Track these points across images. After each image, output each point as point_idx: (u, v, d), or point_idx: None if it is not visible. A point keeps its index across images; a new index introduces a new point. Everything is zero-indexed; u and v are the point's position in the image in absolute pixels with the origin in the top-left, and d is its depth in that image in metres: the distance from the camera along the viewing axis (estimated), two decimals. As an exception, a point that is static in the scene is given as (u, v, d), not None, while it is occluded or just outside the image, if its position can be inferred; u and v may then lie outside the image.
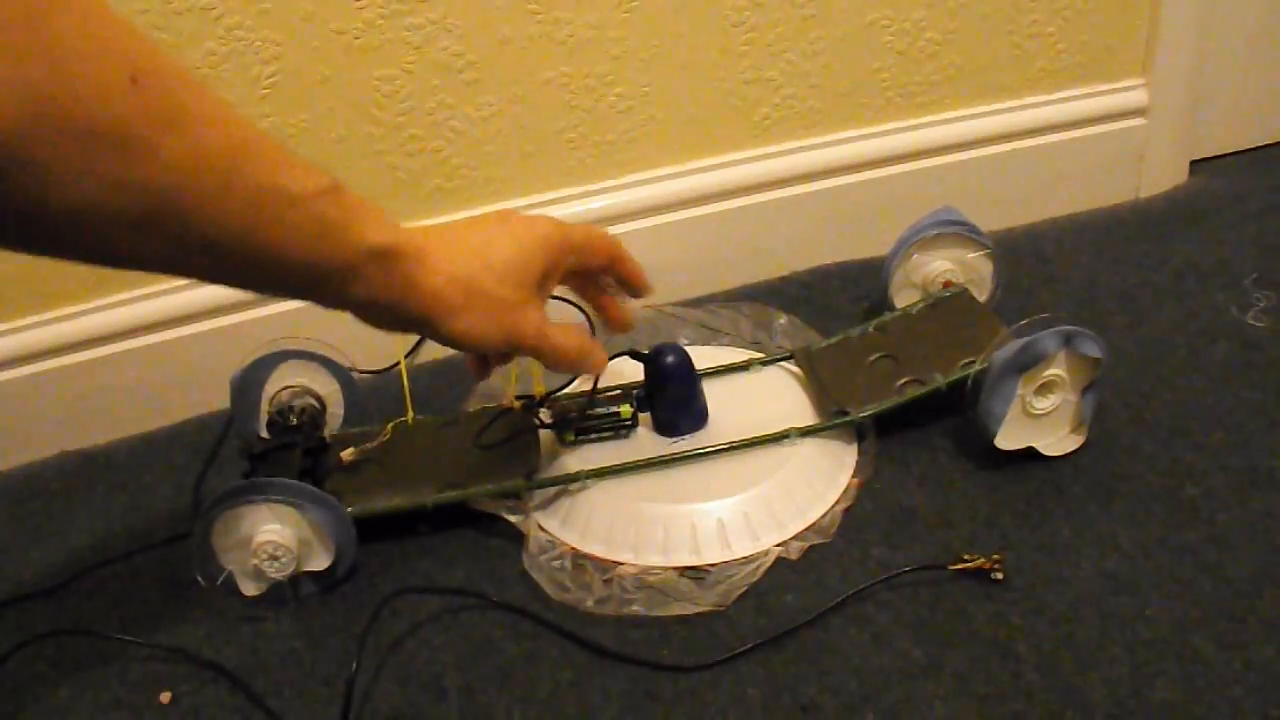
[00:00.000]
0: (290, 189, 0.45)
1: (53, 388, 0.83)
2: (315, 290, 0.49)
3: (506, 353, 0.63)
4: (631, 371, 0.72)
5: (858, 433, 0.73)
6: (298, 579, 0.65)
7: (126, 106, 0.38)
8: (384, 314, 0.53)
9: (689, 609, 0.62)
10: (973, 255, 0.81)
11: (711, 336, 0.85)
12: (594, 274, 0.65)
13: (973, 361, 0.70)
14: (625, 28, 0.84)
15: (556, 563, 0.65)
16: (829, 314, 0.89)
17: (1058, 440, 0.69)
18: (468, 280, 0.54)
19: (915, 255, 0.81)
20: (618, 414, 0.71)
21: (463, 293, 0.54)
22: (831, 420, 0.71)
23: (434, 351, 0.90)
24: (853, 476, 0.70)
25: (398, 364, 0.81)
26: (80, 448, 0.85)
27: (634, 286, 0.66)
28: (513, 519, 0.68)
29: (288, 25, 0.77)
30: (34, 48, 0.35)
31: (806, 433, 0.70)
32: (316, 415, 0.75)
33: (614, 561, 0.65)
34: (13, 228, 0.39)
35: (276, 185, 0.44)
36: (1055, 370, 0.66)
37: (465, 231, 0.57)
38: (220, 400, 0.76)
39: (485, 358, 0.66)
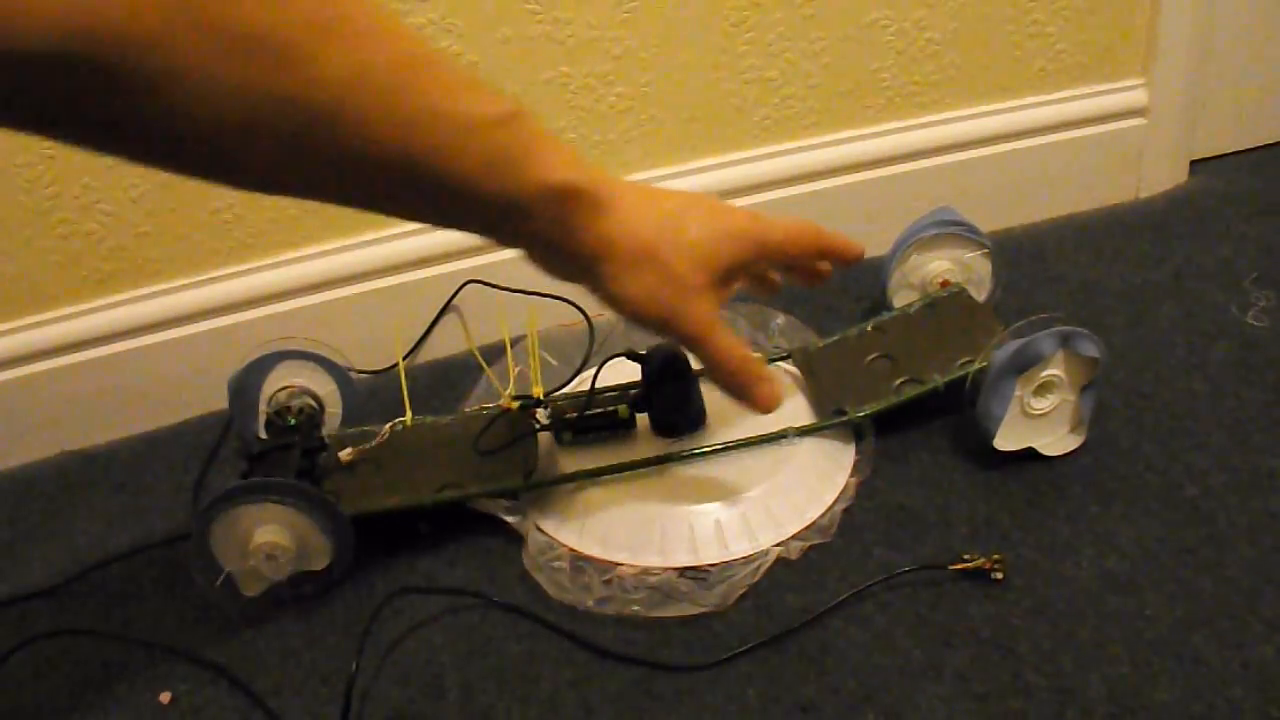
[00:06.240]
0: (463, 114, 0.40)
1: (53, 388, 0.83)
2: (484, 225, 0.46)
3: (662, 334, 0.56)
4: (629, 372, 0.72)
5: (856, 432, 0.73)
6: (296, 579, 0.65)
7: (283, 11, 0.34)
8: (551, 256, 0.49)
9: (689, 609, 0.62)
10: (971, 255, 0.81)
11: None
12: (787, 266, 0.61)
13: (971, 361, 0.70)
14: (625, 28, 0.84)
15: (556, 563, 0.65)
16: (827, 314, 0.89)
17: (1057, 440, 0.69)
18: (649, 242, 0.49)
19: (913, 255, 0.81)
20: (615, 414, 0.71)
21: (640, 252, 0.49)
22: (829, 420, 0.71)
23: (432, 352, 0.90)
24: (851, 476, 0.70)
25: (396, 364, 0.81)
26: (80, 448, 0.85)
27: (846, 260, 0.61)
28: (510, 520, 0.68)
29: (287, 25, 0.77)
30: None
31: (804, 432, 0.70)
32: (315, 415, 0.75)
33: (612, 562, 0.65)
34: (157, 141, 0.35)
35: (447, 109, 0.40)
36: (1053, 370, 0.66)
37: (660, 196, 0.52)
38: (220, 400, 0.76)
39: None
